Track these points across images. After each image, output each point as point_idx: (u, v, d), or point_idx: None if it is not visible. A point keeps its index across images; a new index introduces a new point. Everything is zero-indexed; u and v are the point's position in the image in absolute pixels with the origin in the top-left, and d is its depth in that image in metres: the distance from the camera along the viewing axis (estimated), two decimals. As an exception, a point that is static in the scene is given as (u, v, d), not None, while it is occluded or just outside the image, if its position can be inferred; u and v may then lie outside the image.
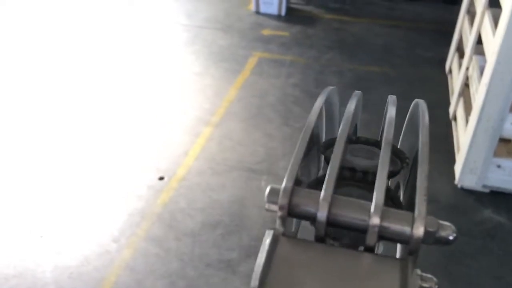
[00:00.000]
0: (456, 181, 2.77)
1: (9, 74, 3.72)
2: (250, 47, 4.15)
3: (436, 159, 2.98)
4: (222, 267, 2.29)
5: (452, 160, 2.91)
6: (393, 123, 0.67)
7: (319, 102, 0.69)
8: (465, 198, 2.72)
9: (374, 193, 0.55)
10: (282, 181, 0.57)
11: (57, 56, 3.94)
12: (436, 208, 2.66)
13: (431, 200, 2.69)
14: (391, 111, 0.71)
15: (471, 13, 3.31)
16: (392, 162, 0.66)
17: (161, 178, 2.77)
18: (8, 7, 4.56)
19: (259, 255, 0.51)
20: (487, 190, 2.74)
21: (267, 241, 0.53)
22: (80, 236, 2.42)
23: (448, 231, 0.54)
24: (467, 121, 2.77)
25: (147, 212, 2.56)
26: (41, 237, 2.40)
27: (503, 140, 2.67)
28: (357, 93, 0.76)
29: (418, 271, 0.53)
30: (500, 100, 2.47)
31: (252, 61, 3.95)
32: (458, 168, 2.77)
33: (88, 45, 4.13)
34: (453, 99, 3.29)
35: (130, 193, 2.68)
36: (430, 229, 0.53)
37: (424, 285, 0.53)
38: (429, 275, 0.53)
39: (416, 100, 0.74)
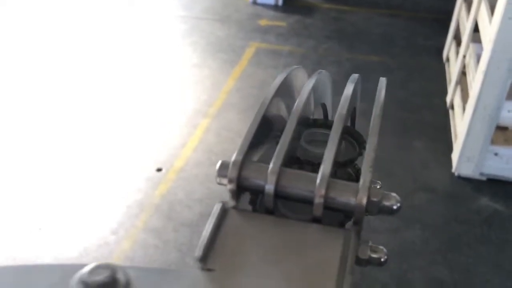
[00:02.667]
0: (453, 170, 2.78)
1: (9, 73, 3.72)
2: (248, 38, 4.14)
3: (433, 148, 2.99)
4: (220, 258, 2.30)
5: (449, 149, 2.91)
6: (348, 99, 0.68)
7: (279, 79, 0.70)
8: (463, 187, 2.73)
9: (321, 165, 0.56)
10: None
11: (58, 52, 3.94)
12: (433, 197, 2.67)
13: (429, 189, 2.70)
14: (348, 89, 0.72)
15: (468, 1, 3.29)
16: (350, 148, 0.67)
17: (159, 170, 2.78)
18: (8, 7, 4.54)
19: (206, 226, 0.52)
20: (484, 178, 2.75)
21: (215, 213, 0.54)
22: (79, 228, 2.43)
23: (392, 201, 0.54)
24: (464, 109, 2.77)
25: (145, 204, 2.57)
26: (40, 229, 2.41)
27: (500, 128, 2.67)
28: (321, 71, 0.78)
29: (369, 242, 0.54)
30: (496, 88, 2.46)
31: (249, 52, 3.94)
32: (455, 156, 2.77)
33: (86, 38, 4.12)
34: (450, 88, 3.29)
35: (128, 185, 2.69)
36: (374, 199, 0.54)
37: (374, 255, 0.54)
38: (379, 246, 0.55)
39: (380, 78, 0.77)
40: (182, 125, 3.14)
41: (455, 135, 2.91)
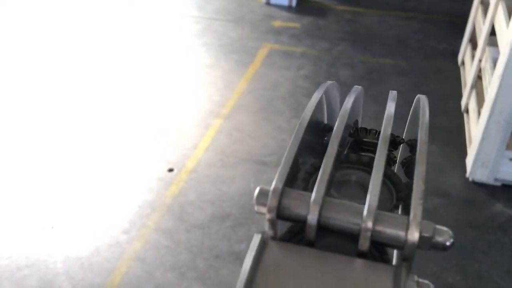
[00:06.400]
0: (468, 174, 2.75)
1: (10, 75, 3.75)
2: (261, 39, 4.13)
3: (448, 152, 2.96)
4: (231, 259, 2.30)
5: (463, 153, 2.88)
6: (392, 120, 0.64)
7: (315, 97, 0.65)
8: (477, 192, 2.70)
9: (368, 195, 0.52)
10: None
11: (66, 53, 3.96)
12: (447, 202, 2.64)
13: (442, 194, 2.67)
14: (390, 108, 0.67)
15: (485, 4, 3.25)
16: (386, 194, 0.62)
17: (171, 170, 2.78)
18: (8, 7, 4.56)
19: (246, 260, 0.49)
20: (499, 184, 2.71)
21: (254, 245, 0.50)
22: (91, 228, 2.44)
23: (445, 236, 0.51)
24: (479, 113, 2.74)
25: (157, 204, 2.57)
26: (52, 228, 2.43)
27: (516, 133, 2.63)
28: (357, 88, 0.73)
29: (415, 277, 0.50)
30: (513, 93, 2.43)
31: (262, 53, 3.94)
32: (469, 161, 2.74)
33: (97, 40, 4.14)
34: (465, 92, 3.25)
35: (140, 185, 2.69)
36: (426, 234, 0.50)
37: None
38: (426, 281, 0.51)
39: (418, 95, 0.71)
40: (194, 126, 3.14)
41: (470, 140, 2.88)
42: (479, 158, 2.65)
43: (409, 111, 0.78)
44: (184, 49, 3.99)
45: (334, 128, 0.61)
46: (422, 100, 0.68)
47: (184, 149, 2.95)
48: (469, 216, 2.57)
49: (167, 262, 2.29)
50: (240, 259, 2.30)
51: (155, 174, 2.76)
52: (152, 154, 2.91)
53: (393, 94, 0.72)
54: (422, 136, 0.60)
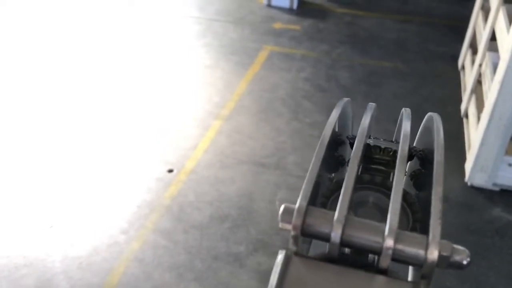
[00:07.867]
0: (466, 179, 2.75)
1: (10, 75, 3.74)
2: (261, 41, 4.14)
3: (447, 156, 2.96)
4: (229, 261, 2.30)
5: (462, 158, 2.89)
6: (408, 139, 0.65)
7: (334, 115, 0.67)
8: (475, 196, 2.70)
9: (389, 215, 0.54)
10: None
11: (66, 53, 3.96)
12: (445, 206, 2.65)
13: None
14: (406, 126, 0.68)
15: (486, 9, 3.27)
16: (402, 216, 0.65)
17: (170, 171, 2.78)
18: (8, 7, 4.55)
19: (272, 275, 0.51)
20: (497, 189, 2.72)
21: (279, 261, 0.53)
22: (90, 227, 2.44)
23: (463, 255, 0.54)
24: (479, 118, 2.75)
25: (156, 205, 2.57)
26: (51, 227, 2.42)
27: (515, 139, 2.64)
28: (372, 105, 0.74)
29: None
30: (513, 98, 2.44)
31: (263, 55, 3.94)
32: (468, 166, 2.75)
33: (98, 40, 4.13)
34: (465, 96, 3.26)
35: (139, 185, 2.69)
36: (444, 254, 0.53)
37: None
38: None
39: (429, 114, 0.70)
40: (194, 127, 3.14)
41: (469, 144, 2.88)
42: (478, 163, 2.66)
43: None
44: (185, 50, 3.99)
45: (354, 147, 0.63)
46: (436, 120, 0.68)
47: (183, 149, 2.95)
48: (467, 220, 2.58)
49: (165, 263, 2.28)
50: (239, 260, 2.30)
51: (155, 175, 2.76)
52: (152, 155, 2.91)
53: (407, 112, 0.72)
54: (438, 157, 0.62)
